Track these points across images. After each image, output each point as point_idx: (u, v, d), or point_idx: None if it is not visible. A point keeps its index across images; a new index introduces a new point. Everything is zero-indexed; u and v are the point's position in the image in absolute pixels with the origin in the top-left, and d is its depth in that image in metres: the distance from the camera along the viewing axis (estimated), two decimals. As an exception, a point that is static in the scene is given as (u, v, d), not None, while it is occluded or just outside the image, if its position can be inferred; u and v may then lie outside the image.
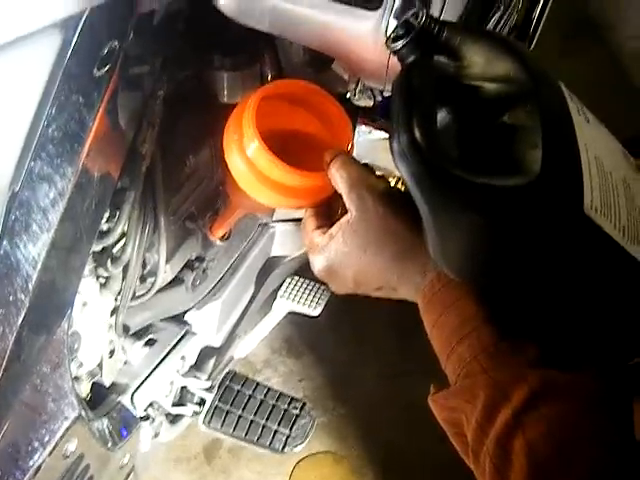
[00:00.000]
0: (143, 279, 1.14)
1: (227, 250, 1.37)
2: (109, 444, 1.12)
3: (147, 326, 1.30)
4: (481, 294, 0.67)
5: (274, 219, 1.50)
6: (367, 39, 0.80)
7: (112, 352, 1.14)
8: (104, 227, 0.97)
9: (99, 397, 1.18)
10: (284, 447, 1.52)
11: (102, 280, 1.04)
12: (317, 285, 1.67)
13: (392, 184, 0.78)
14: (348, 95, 1.15)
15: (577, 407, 0.58)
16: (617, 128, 0.73)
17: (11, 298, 0.75)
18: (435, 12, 0.79)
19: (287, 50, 1.13)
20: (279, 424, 1.53)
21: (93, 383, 1.13)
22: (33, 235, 0.74)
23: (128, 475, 1.24)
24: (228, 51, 1.03)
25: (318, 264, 0.78)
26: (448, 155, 0.60)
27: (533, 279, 0.63)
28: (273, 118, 0.88)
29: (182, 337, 1.37)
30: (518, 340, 0.63)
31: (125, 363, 1.25)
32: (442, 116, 0.65)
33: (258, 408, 1.55)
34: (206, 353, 1.49)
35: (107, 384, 1.17)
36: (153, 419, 1.32)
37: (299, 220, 0.87)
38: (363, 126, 1.31)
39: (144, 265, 1.12)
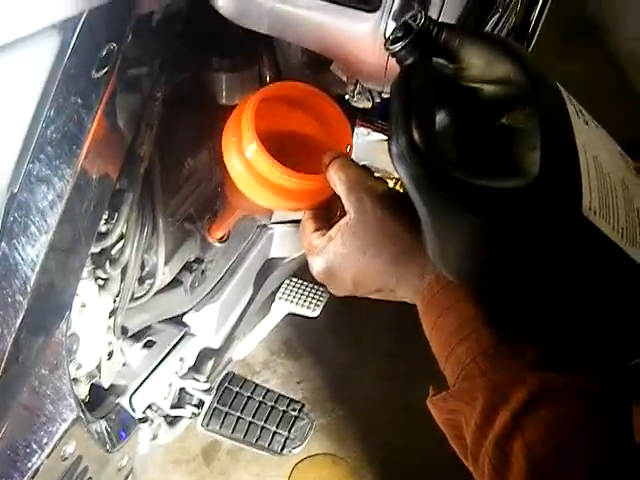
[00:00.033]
0: (142, 281, 1.14)
1: (226, 252, 1.37)
2: (107, 446, 1.11)
3: (146, 328, 1.30)
4: (480, 296, 0.67)
5: (272, 221, 1.50)
6: (366, 41, 0.80)
7: (111, 354, 1.14)
8: (102, 229, 0.97)
9: (98, 399, 1.18)
10: (283, 449, 1.52)
11: (101, 282, 1.04)
12: (316, 287, 1.67)
13: (391, 185, 0.78)
14: (347, 97, 1.15)
15: (576, 409, 0.58)
16: (616, 130, 0.73)
17: (9, 300, 0.75)
18: (433, 14, 0.79)
19: (285, 52, 1.13)
20: (278, 426, 1.53)
21: (92, 385, 1.12)
22: (31, 237, 0.74)
23: (126, 477, 1.24)
24: (226, 53, 1.03)
25: (317, 266, 0.78)
26: (447, 157, 0.60)
27: (532, 281, 0.63)
28: (271, 120, 0.88)
29: (181, 339, 1.37)
30: (517, 342, 0.63)
31: (124, 365, 1.25)
32: (441, 118, 0.65)
33: (257, 410, 1.55)
34: (205, 355, 1.49)
35: (106, 386, 1.17)
36: (152, 421, 1.32)
37: (298, 222, 0.87)
38: (362, 128, 1.31)
39: (143, 267, 1.11)
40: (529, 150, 0.58)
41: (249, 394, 1.57)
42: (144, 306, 1.18)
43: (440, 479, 1.59)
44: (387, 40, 0.66)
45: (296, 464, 1.84)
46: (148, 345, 1.32)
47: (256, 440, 1.52)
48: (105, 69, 0.72)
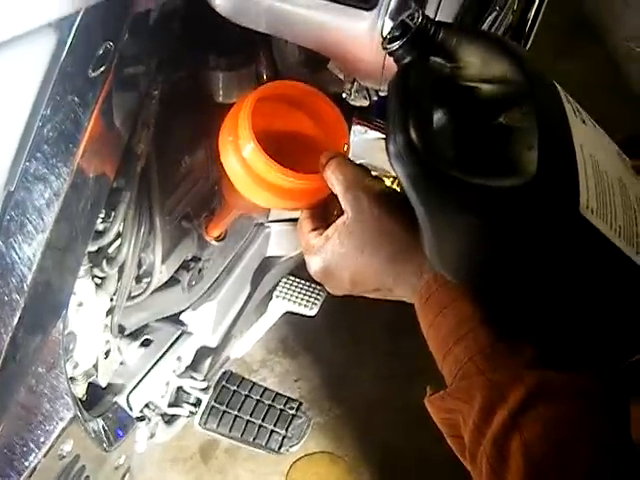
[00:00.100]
0: (139, 279, 1.13)
1: (223, 250, 1.37)
2: (105, 445, 1.11)
3: (143, 326, 1.30)
4: (477, 295, 0.67)
5: (270, 219, 1.50)
6: (363, 39, 0.80)
7: (108, 352, 1.14)
8: (99, 227, 0.97)
9: (95, 398, 1.18)
10: (280, 447, 1.52)
11: (98, 280, 1.04)
12: (313, 285, 1.67)
13: (388, 184, 0.78)
14: (344, 95, 1.15)
15: (574, 408, 0.58)
16: (613, 128, 0.73)
17: (6, 298, 0.75)
18: (430, 12, 0.79)
19: (282, 50, 1.13)
20: (275, 424, 1.53)
21: (89, 384, 1.12)
22: (28, 235, 0.74)
23: (124, 476, 1.24)
24: (224, 51, 1.03)
25: (314, 265, 0.78)
26: (444, 156, 0.60)
27: (529, 280, 0.63)
28: (268, 119, 0.88)
29: (178, 337, 1.37)
30: (515, 341, 0.63)
31: (121, 363, 1.25)
32: (438, 117, 0.65)
33: (254, 408, 1.55)
34: (202, 353, 1.49)
35: (103, 385, 1.17)
36: (149, 420, 1.32)
37: (295, 220, 0.87)
38: (359, 126, 1.31)
39: (140, 265, 1.11)
40: (526, 149, 0.58)
41: (246, 393, 1.58)
42: (141, 305, 1.18)
43: (438, 478, 1.60)
44: (384, 39, 0.66)
45: (294, 462, 1.84)
46: (145, 344, 1.32)
47: (254, 438, 1.52)
48: (102, 68, 0.72)
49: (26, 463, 0.90)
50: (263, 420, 1.53)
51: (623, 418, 0.59)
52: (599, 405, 0.59)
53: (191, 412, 1.45)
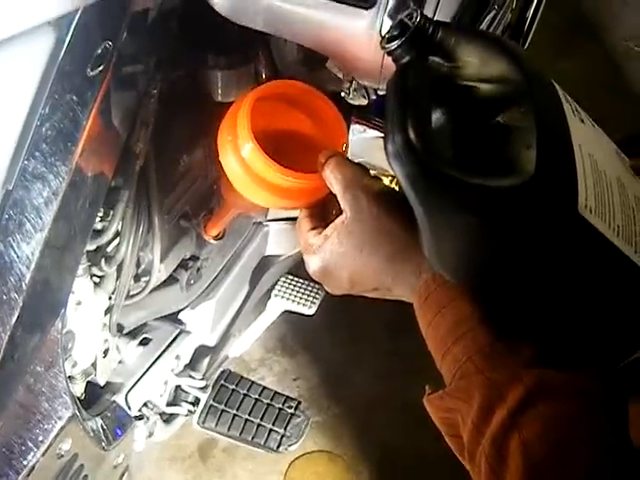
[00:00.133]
0: (137, 278, 1.13)
1: (221, 249, 1.37)
2: (103, 444, 1.11)
3: (141, 325, 1.30)
4: (476, 294, 0.67)
5: (268, 218, 1.50)
6: (361, 37, 0.80)
7: (106, 351, 1.14)
8: (98, 226, 0.97)
9: (93, 396, 1.18)
10: (279, 446, 1.52)
11: (96, 279, 1.04)
12: (312, 284, 1.68)
13: (387, 183, 0.78)
14: (342, 94, 1.15)
15: (573, 407, 0.58)
16: (612, 127, 0.73)
17: (4, 297, 0.75)
18: (429, 12, 0.79)
19: (281, 49, 1.13)
20: (274, 423, 1.53)
21: (87, 382, 1.12)
22: (27, 234, 0.74)
23: (122, 474, 1.24)
24: (222, 50, 1.03)
25: (313, 265, 0.78)
26: (443, 156, 0.60)
27: (528, 279, 0.63)
28: (267, 119, 0.87)
29: (176, 336, 1.37)
30: (514, 340, 0.63)
31: (119, 362, 1.25)
32: (437, 117, 0.65)
33: (253, 407, 1.55)
34: (200, 352, 1.49)
35: (101, 383, 1.17)
36: (147, 418, 1.32)
37: (293, 219, 0.87)
38: (357, 125, 1.31)
39: (138, 264, 1.11)
40: (525, 148, 0.58)
41: (245, 392, 1.57)
42: (140, 304, 1.18)
43: (436, 477, 1.60)
44: (383, 39, 0.66)
45: (292, 461, 1.85)
46: (144, 343, 1.31)
47: (252, 437, 1.52)
48: (100, 67, 0.72)
49: (24, 462, 0.90)
50: (262, 419, 1.53)
51: (622, 417, 0.59)
52: (598, 404, 0.59)
53: (189, 411, 1.45)
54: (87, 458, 1.06)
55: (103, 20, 0.70)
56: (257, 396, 1.57)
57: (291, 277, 1.69)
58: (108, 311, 1.09)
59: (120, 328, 1.19)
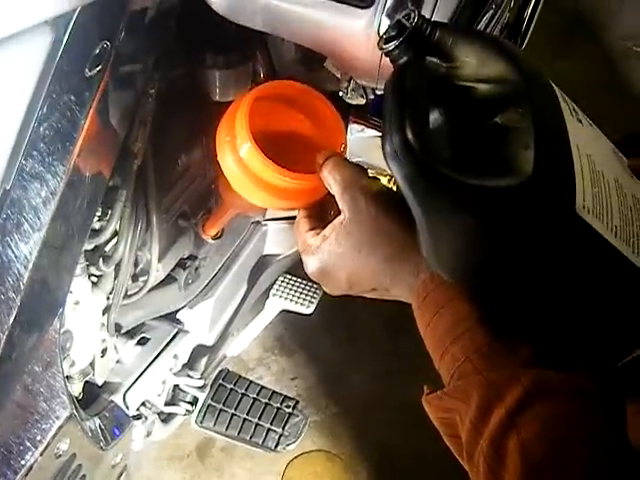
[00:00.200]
0: (135, 278, 1.13)
1: (219, 249, 1.37)
2: (101, 443, 1.11)
3: (139, 325, 1.30)
4: (474, 294, 0.67)
5: (266, 217, 1.50)
6: (359, 37, 0.80)
7: (104, 351, 1.14)
8: (96, 226, 0.97)
9: (91, 396, 1.18)
10: (277, 445, 1.52)
11: (94, 279, 1.04)
12: (310, 284, 1.68)
13: (384, 182, 0.78)
14: (340, 93, 1.15)
15: (571, 407, 0.58)
16: (610, 127, 0.73)
17: (2, 297, 0.75)
18: (426, 12, 0.79)
19: (279, 48, 1.13)
20: (272, 422, 1.53)
21: (85, 382, 1.12)
22: (24, 234, 0.74)
23: (120, 474, 1.24)
24: (220, 49, 1.03)
25: (311, 265, 0.77)
26: (440, 156, 0.60)
27: (526, 280, 0.63)
28: (265, 119, 0.87)
29: (174, 336, 1.37)
30: (512, 340, 0.63)
31: (117, 362, 1.25)
32: (434, 117, 0.65)
33: (251, 406, 1.55)
34: (199, 352, 1.49)
35: (99, 383, 1.17)
36: (145, 418, 1.32)
37: (291, 218, 0.87)
38: (355, 124, 1.31)
39: (136, 264, 1.11)
40: (523, 149, 0.58)
41: (243, 391, 1.57)
42: (138, 303, 1.18)
43: (435, 476, 1.59)
44: (380, 39, 0.66)
45: (290, 461, 1.84)
46: (142, 342, 1.32)
47: (250, 437, 1.52)
48: (98, 67, 0.72)
49: (22, 462, 0.90)
50: (260, 418, 1.53)
51: (620, 417, 0.59)
52: (596, 404, 0.59)
53: (188, 410, 1.45)
54: (85, 458, 1.06)
55: (101, 20, 0.70)
56: (255, 395, 1.57)
57: (289, 276, 1.69)
58: (106, 311, 1.09)
59: (118, 328, 1.19)
